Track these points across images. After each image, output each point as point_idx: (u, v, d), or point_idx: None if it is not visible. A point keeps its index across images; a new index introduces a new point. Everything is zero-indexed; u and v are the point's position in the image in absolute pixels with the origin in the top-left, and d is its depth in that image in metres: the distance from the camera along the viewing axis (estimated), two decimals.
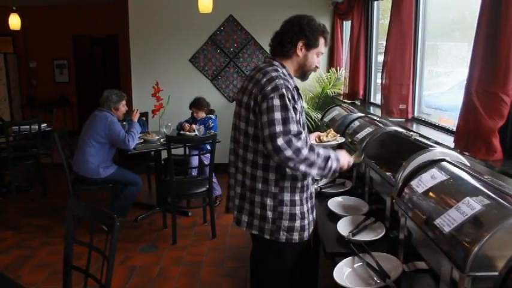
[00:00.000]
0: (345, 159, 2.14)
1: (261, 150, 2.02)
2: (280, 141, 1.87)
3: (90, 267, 2.02)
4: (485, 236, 1.22)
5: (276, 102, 1.91)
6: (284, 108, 1.91)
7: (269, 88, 1.94)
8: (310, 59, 2.14)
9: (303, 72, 2.19)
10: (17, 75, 9.66)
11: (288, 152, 1.88)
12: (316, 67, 2.20)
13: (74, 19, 9.45)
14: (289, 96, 1.95)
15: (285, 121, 1.90)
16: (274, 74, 2.01)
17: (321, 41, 2.14)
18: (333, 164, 2.02)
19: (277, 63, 2.11)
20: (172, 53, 6.40)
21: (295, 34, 2.08)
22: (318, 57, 2.18)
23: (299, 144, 1.90)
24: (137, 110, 4.71)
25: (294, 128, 1.91)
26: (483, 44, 2.03)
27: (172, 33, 6.35)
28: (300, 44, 2.10)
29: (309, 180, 2.16)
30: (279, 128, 1.88)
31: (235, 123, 2.19)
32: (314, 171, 1.98)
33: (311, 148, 1.96)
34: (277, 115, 1.90)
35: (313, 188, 2.24)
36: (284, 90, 1.94)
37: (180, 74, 6.45)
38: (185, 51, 6.43)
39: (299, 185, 2.09)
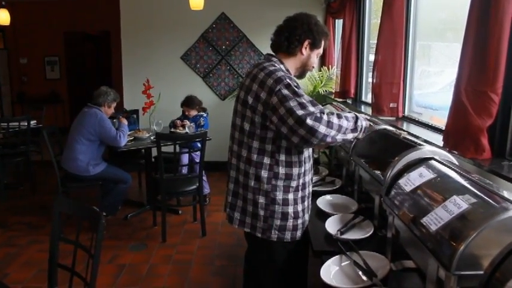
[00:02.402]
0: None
1: (256, 147, 2.01)
2: (309, 121, 1.84)
3: (76, 265, 1.99)
4: (471, 234, 1.22)
5: (285, 92, 1.90)
6: (295, 94, 1.90)
7: (272, 81, 1.93)
8: (312, 59, 2.16)
9: (303, 71, 2.20)
10: (7, 72, 9.58)
11: (322, 128, 1.86)
12: (313, 67, 2.22)
13: (66, 15, 9.38)
14: (295, 84, 1.96)
15: (303, 105, 1.88)
16: (272, 68, 2.01)
17: (323, 42, 2.16)
18: (362, 123, 2.04)
19: (275, 60, 2.11)
20: (164, 50, 6.37)
21: (303, 32, 2.08)
22: (317, 57, 2.20)
23: (325, 117, 1.89)
24: (123, 118, 4.70)
25: (312, 108, 1.89)
26: (472, 43, 2.03)
27: (164, 30, 6.32)
28: (306, 43, 2.10)
29: (306, 179, 2.15)
30: (300, 112, 1.85)
31: (232, 119, 2.18)
32: (350, 136, 2.00)
33: (338, 116, 1.95)
34: (293, 102, 1.87)
35: (311, 188, 2.22)
36: (288, 80, 1.94)
37: (172, 71, 6.42)
38: (177, 49, 6.40)
39: (293, 184, 2.07)
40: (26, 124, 5.62)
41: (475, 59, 2.02)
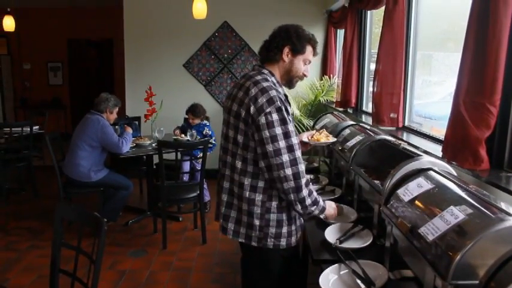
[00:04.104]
0: (330, 212, 2.24)
1: (251, 158, 2.02)
2: (284, 157, 1.92)
3: (77, 271, 2.00)
4: (467, 244, 1.24)
5: (275, 117, 1.93)
6: (283, 122, 1.94)
7: (264, 100, 1.94)
8: (297, 65, 2.14)
9: (289, 79, 2.18)
10: (10, 77, 9.64)
11: (289, 171, 1.93)
12: (304, 75, 2.20)
13: (69, 22, 9.44)
14: (285, 108, 1.98)
15: (287, 135, 1.94)
16: (265, 84, 2.00)
17: (308, 48, 2.15)
18: (315, 212, 2.08)
19: (266, 72, 2.11)
20: (167, 58, 6.42)
21: (281, 39, 2.10)
22: (306, 64, 2.18)
23: (303, 181, 1.96)
24: (127, 126, 4.75)
25: (294, 141, 1.95)
26: (471, 55, 2.06)
27: (167, 38, 6.37)
28: (286, 50, 2.10)
29: None
30: (282, 143, 1.92)
31: (223, 130, 2.19)
32: (298, 207, 2.03)
33: (310, 192, 2.02)
34: (278, 130, 1.92)
35: None
36: (279, 103, 1.95)
37: (174, 79, 6.46)
38: (179, 56, 6.45)
39: None
40: (29, 129, 5.65)
41: (473, 71, 2.05)
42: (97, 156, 4.36)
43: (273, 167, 1.94)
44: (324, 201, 2.13)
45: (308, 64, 2.19)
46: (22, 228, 4.68)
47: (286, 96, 2.08)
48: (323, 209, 2.11)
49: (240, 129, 2.03)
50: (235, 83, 2.19)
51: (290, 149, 1.93)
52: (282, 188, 1.97)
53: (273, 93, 1.97)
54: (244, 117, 1.99)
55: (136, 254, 4.10)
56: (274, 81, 2.09)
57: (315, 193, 2.06)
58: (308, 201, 2.01)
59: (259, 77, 2.05)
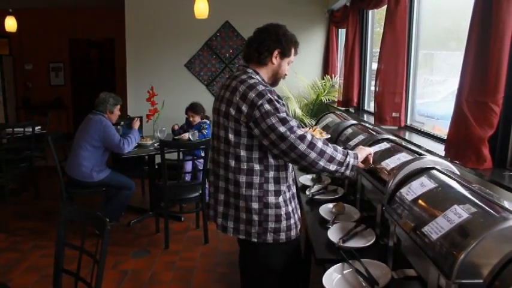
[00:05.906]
0: (363, 154, 2.18)
1: (244, 155, 2.06)
2: (291, 138, 1.96)
3: (81, 270, 2.01)
4: (471, 243, 1.24)
5: (267, 107, 1.98)
6: (277, 110, 1.99)
7: (254, 95, 1.99)
8: (283, 67, 2.23)
9: (275, 80, 2.27)
10: (12, 78, 9.63)
11: (302, 147, 1.96)
12: (285, 75, 2.29)
13: (71, 22, 9.44)
14: (276, 98, 2.03)
15: (284, 121, 1.98)
16: (251, 81, 2.07)
17: (293, 50, 2.24)
18: (351, 160, 2.08)
19: (251, 71, 2.17)
20: (168, 58, 6.41)
21: (272, 43, 2.16)
22: (288, 65, 2.27)
23: (309, 137, 1.99)
24: (138, 119, 4.73)
25: (294, 123, 2.00)
26: (474, 54, 2.06)
27: (169, 38, 6.37)
28: (275, 53, 2.17)
29: (290, 181, 2.22)
30: (282, 128, 1.96)
31: (214, 132, 2.23)
32: (333, 168, 2.04)
33: (325, 143, 2.04)
34: (274, 119, 1.97)
35: (294, 188, 2.29)
36: (269, 94, 2.01)
37: (176, 78, 6.46)
38: (181, 56, 6.45)
39: (283, 187, 2.13)
40: (31, 130, 5.66)
41: (476, 70, 2.05)
42: (99, 156, 4.36)
43: (285, 150, 1.99)
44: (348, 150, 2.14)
45: (290, 64, 2.29)
46: (25, 228, 4.68)
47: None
48: (350, 155, 2.09)
49: (231, 128, 2.07)
50: (222, 84, 2.24)
51: (291, 130, 1.97)
52: (307, 165, 2.02)
53: (260, 87, 2.02)
54: (235, 115, 2.04)
55: (139, 254, 4.10)
56: (260, 79, 2.14)
57: (331, 147, 2.07)
58: (337, 156, 2.04)
59: (244, 76, 2.11)
